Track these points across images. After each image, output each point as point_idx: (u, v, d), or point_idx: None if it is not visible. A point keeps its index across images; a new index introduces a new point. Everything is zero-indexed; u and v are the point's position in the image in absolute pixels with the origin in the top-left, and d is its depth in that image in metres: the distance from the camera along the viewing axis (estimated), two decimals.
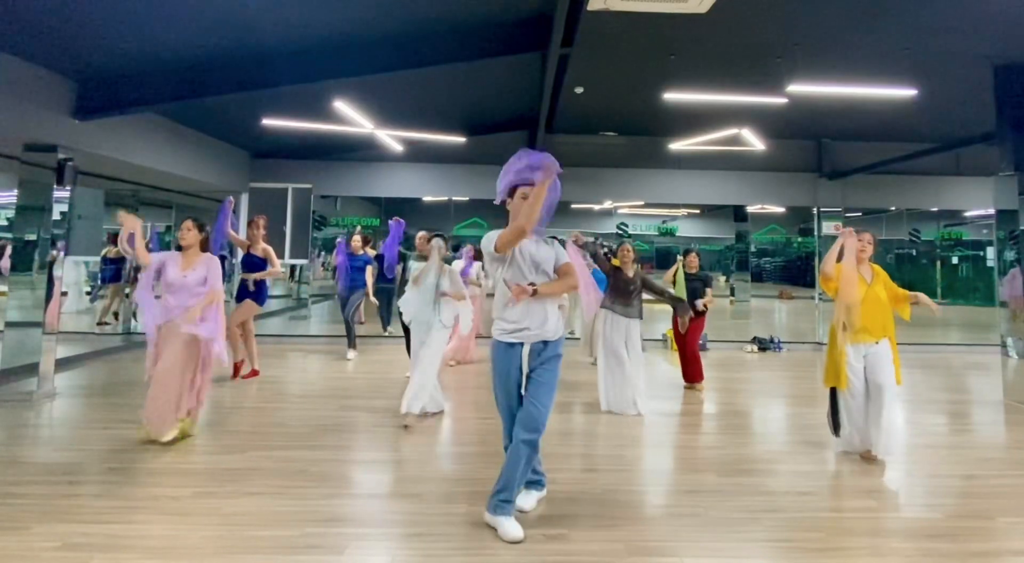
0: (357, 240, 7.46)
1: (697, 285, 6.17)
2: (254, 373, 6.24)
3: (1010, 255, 6.25)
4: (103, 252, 9.33)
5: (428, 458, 4.06)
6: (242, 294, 6.15)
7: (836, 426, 4.07)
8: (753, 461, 4.02)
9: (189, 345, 4.14)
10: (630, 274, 5.41)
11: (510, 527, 2.83)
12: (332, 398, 5.51)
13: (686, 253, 6.44)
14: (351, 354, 7.57)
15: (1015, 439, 4.73)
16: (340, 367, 7.04)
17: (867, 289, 4.02)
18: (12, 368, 5.58)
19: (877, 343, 4.01)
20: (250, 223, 6.35)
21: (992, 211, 6.52)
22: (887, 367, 3.96)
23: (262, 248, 6.22)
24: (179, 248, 4.35)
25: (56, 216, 5.77)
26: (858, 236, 4.11)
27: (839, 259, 4.06)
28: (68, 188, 5.83)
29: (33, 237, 5.72)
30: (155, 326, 4.18)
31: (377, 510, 3.18)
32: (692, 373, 6.10)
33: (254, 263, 6.18)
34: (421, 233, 5.84)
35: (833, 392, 4.07)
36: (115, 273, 9.51)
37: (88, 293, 11.05)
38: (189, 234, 4.30)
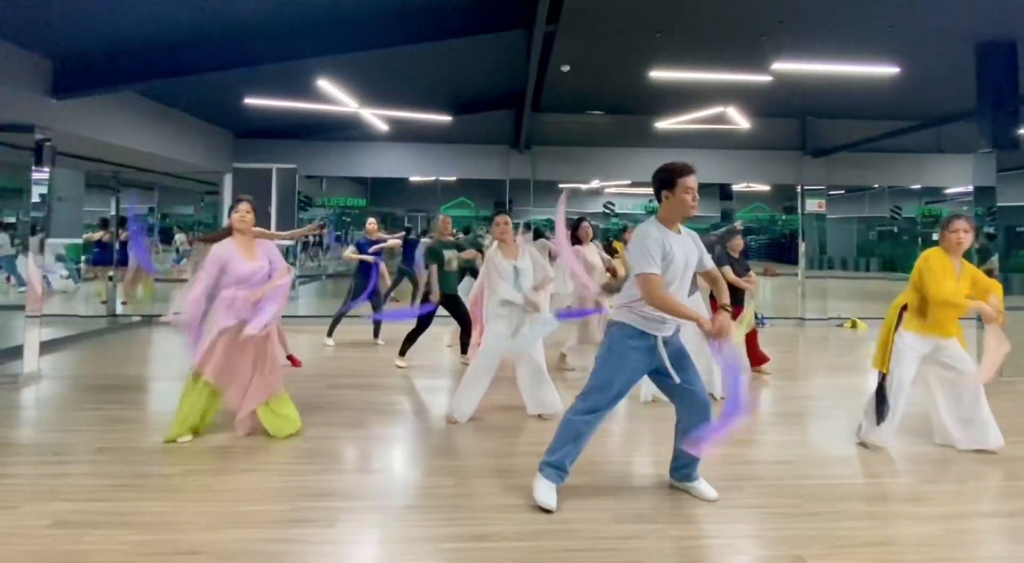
0: (373, 223, 7.22)
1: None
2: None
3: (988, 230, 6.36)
4: (97, 236, 9.26)
5: (416, 434, 4.11)
6: None
7: None
8: (736, 433, 4.10)
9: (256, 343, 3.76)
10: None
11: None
12: (320, 377, 5.53)
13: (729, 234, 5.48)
14: (330, 341, 7.12)
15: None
16: (328, 348, 7.05)
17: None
18: None
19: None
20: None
21: (971, 188, 6.61)
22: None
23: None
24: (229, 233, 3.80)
25: (36, 198, 5.68)
26: (951, 226, 3.59)
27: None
28: (47, 169, 5.74)
29: (12, 219, 5.65)
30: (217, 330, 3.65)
31: (367, 484, 3.23)
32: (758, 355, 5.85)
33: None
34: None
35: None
36: (102, 256, 9.41)
37: (67, 277, 10.86)
38: (248, 216, 3.79)
